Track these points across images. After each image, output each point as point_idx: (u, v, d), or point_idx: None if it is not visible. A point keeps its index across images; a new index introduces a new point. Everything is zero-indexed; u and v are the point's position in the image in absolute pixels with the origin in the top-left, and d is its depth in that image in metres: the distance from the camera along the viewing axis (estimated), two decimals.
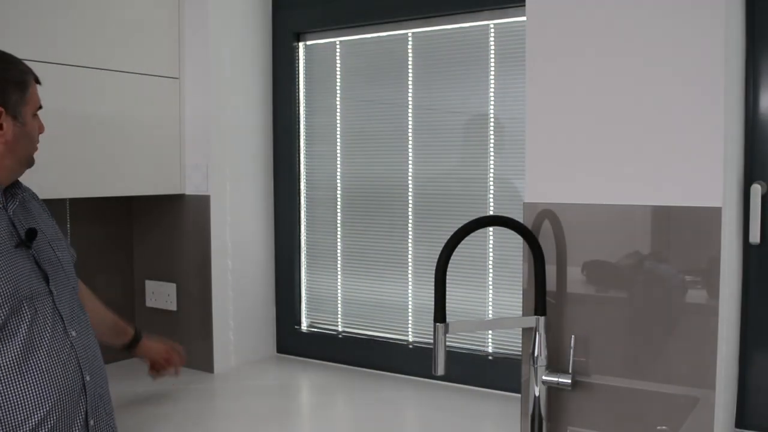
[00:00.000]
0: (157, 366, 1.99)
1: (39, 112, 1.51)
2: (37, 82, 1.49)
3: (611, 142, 1.56)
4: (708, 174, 1.46)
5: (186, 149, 2.38)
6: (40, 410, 1.33)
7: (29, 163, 1.50)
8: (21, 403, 1.31)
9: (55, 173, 1.94)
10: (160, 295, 2.46)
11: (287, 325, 2.58)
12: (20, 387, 1.32)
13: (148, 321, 2.51)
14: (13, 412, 1.30)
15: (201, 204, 2.36)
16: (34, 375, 1.33)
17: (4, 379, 1.30)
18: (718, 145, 1.45)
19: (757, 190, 1.59)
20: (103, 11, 2.11)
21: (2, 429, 1.29)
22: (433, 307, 1.51)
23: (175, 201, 2.40)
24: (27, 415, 1.32)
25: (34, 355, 1.34)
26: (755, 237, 1.61)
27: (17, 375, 1.32)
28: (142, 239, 2.51)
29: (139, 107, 2.23)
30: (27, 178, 1.56)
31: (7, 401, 1.30)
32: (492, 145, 2.14)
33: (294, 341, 2.57)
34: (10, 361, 1.31)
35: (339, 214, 2.47)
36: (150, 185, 2.30)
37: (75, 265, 1.60)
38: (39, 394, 1.33)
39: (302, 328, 2.57)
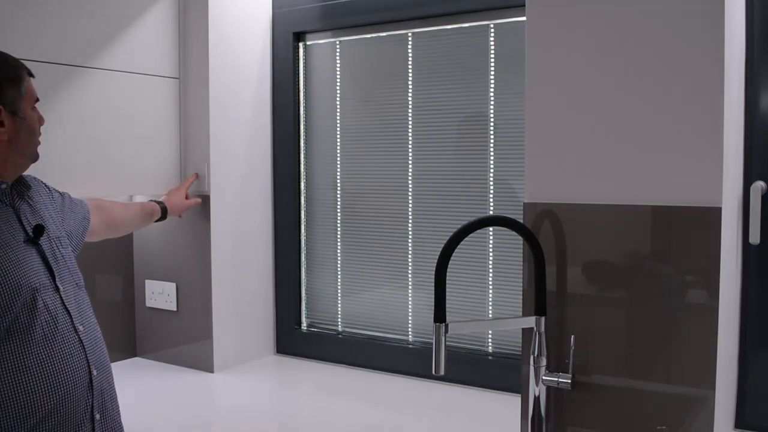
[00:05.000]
0: (191, 207, 2.31)
1: (37, 105, 1.51)
2: (30, 75, 1.49)
3: (611, 142, 1.56)
4: (708, 174, 1.46)
5: (186, 149, 2.38)
6: (48, 402, 1.34)
7: (33, 157, 1.51)
8: (30, 395, 1.33)
9: (55, 173, 1.94)
10: (160, 295, 2.46)
11: (287, 325, 2.58)
12: (29, 379, 1.33)
13: (148, 321, 2.51)
14: (21, 404, 1.32)
15: (201, 204, 2.36)
16: (43, 368, 1.35)
17: (14, 371, 1.32)
18: (718, 145, 1.45)
19: (757, 190, 1.59)
20: (104, 11, 2.11)
21: (11, 420, 1.31)
22: (433, 307, 1.51)
23: None
24: (35, 407, 1.33)
25: (43, 349, 1.36)
26: (755, 237, 1.61)
27: (27, 367, 1.33)
28: (142, 239, 2.51)
29: (139, 107, 2.23)
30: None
31: (16, 393, 1.31)
32: (492, 145, 2.14)
33: (294, 341, 2.57)
34: (20, 353, 1.33)
35: (339, 214, 2.47)
36: (150, 185, 2.30)
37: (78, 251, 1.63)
38: (48, 386, 1.35)
39: (302, 328, 2.57)
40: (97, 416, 1.45)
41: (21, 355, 1.33)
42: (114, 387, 1.55)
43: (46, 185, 1.65)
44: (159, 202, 2.21)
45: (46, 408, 1.34)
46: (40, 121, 1.52)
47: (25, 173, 1.55)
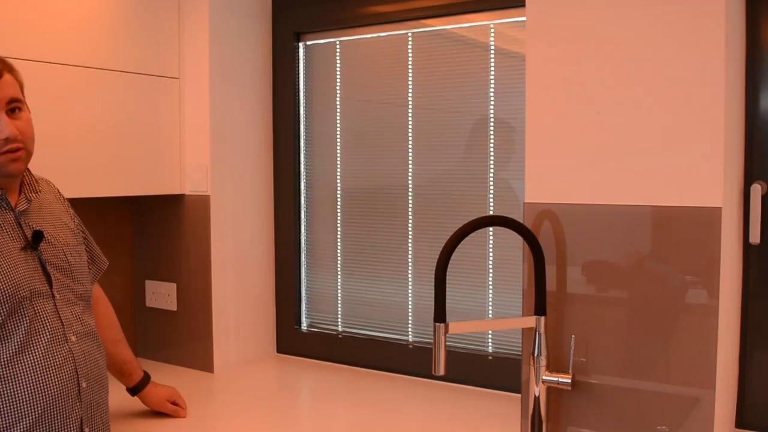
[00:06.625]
0: (165, 411, 1.94)
1: (13, 110, 1.37)
2: None
3: (611, 142, 1.56)
4: (708, 174, 1.46)
5: (186, 149, 2.38)
6: (31, 413, 1.32)
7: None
8: (12, 404, 1.30)
9: (55, 173, 1.93)
10: (160, 295, 2.46)
11: (287, 325, 2.58)
12: (12, 387, 1.31)
13: (148, 321, 2.51)
14: (7, 412, 1.30)
15: (201, 204, 2.36)
16: (27, 376, 1.32)
17: (1, 378, 1.30)
18: (718, 145, 1.45)
19: (757, 190, 1.59)
20: (103, 11, 2.11)
21: None
22: (433, 307, 1.51)
23: (175, 201, 2.40)
24: (19, 416, 1.31)
25: (28, 357, 1.33)
26: (755, 237, 1.61)
27: (10, 375, 1.31)
28: (142, 239, 2.51)
29: (139, 107, 2.23)
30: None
31: (2, 400, 1.29)
32: (492, 145, 2.14)
33: (294, 341, 2.57)
34: (7, 360, 1.31)
35: (339, 214, 2.47)
36: (150, 185, 2.30)
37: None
38: (30, 396, 1.32)
39: (302, 328, 2.57)
40: (87, 430, 1.42)
41: (6, 362, 1.31)
42: (107, 402, 1.51)
43: (65, 203, 1.60)
44: (145, 377, 1.91)
45: (31, 417, 1.32)
46: (1, 132, 1.34)
47: (48, 182, 1.52)
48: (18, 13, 1.88)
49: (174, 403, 1.95)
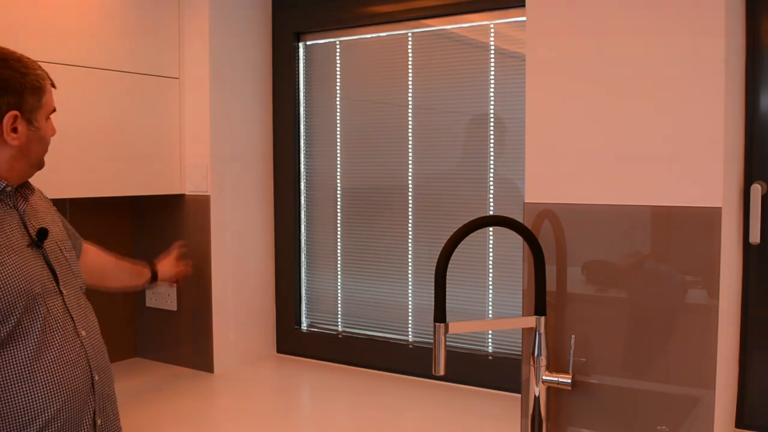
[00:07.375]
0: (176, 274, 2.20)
1: (52, 115, 1.53)
2: (53, 86, 1.51)
3: (611, 142, 1.56)
4: (708, 174, 1.46)
5: (186, 149, 2.38)
6: (50, 408, 1.34)
7: (40, 165, 1.51)
8: (31, 401, 1.32)
9: (56, 173, 1.94)
10: (160, 295, 2.46)
11: (287, 325, 2.58)
12: (31, 385, 1.33)
13: (148, 321, 2.51)
14: (23, 410, 1.31)
15: (201, 204, 2.36)
16: (46, 373, 1.34)
17: (16, 377, 1.31)
18: (718, 145, 1.45)
19: (757, 190, 1.59)
20: (103, 11, 2.11)
21: (14, 424, 1.30)
22: (433, 307, 1.51)
23: (175, 201, 2.40)
24: (37, 412, 1.33)
25: (45, 354, 1.35)
26: (755, 237, 1.61)
27: (29, 373, 1.33)
28: (142, 239, 2.51)
29: (139, 107, 2.23)
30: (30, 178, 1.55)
31: (18, 399, 1.31)
32: (492, 145, 2.14)
33: (294, 341, 2.57)
34: (23, 359, 1.32)
35: (339, 214, 2.47)
36: (150, 185, 2.30)
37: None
38: (49, 392, 1.34)
39: (302, 328, 2.57)
40: (99, 421, 1.45)
41: (23, 359, 1.32)
42: (114, 392, 1.54)
43: (49, 202, 1.64)
44: (150, 266, 2.12)
45: (49, 413, 1.34)
46: (52, 131, 1.54)
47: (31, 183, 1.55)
48: (18, 13, 1.88)
49: (179, 273, 2.20)
